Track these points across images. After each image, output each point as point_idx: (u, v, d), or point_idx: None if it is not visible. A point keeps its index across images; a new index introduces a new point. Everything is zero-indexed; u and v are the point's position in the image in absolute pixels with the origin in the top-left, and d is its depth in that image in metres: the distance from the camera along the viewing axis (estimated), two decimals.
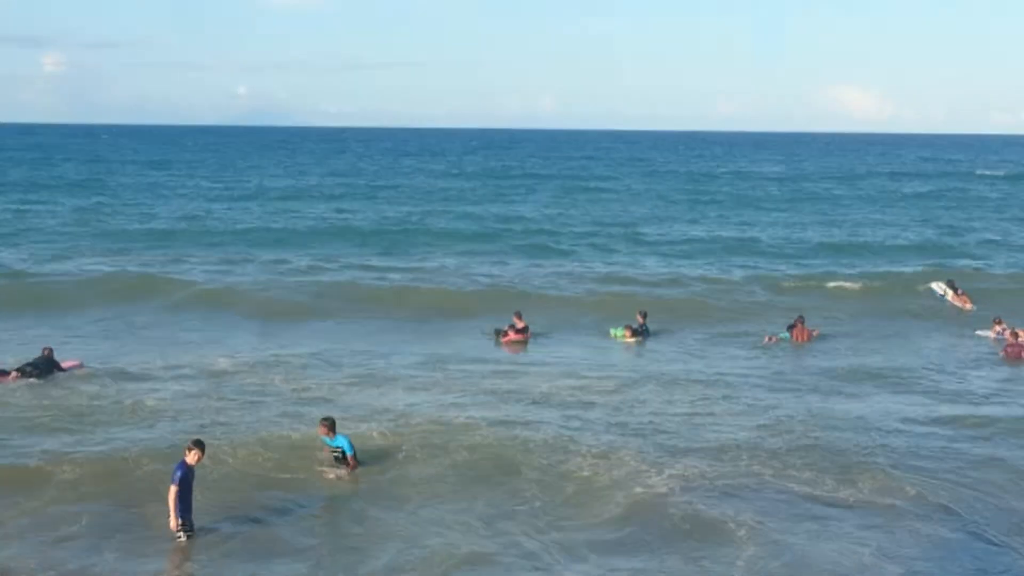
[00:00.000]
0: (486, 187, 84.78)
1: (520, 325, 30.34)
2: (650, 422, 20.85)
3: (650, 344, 29.57)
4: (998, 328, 31.34)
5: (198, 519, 15.14)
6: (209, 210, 62.00)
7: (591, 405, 22.12)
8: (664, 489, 16.86)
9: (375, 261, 42.48)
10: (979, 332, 32.13)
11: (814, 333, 30.74)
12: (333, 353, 26.51)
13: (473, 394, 22.88)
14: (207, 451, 15.64)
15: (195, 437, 15.77)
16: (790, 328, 30.78)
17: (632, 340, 30.34)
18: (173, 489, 14.70)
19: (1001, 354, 28.55)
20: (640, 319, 31.24)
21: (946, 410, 22.31)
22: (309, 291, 35.42)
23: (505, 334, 29.77)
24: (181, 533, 14.74)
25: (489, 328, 30.35)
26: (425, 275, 39.08)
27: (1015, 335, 29.47)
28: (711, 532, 15.31)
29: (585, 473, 17.71)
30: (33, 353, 24.36)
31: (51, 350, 24.19)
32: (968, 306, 35.45)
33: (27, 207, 61.07)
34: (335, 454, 17.65)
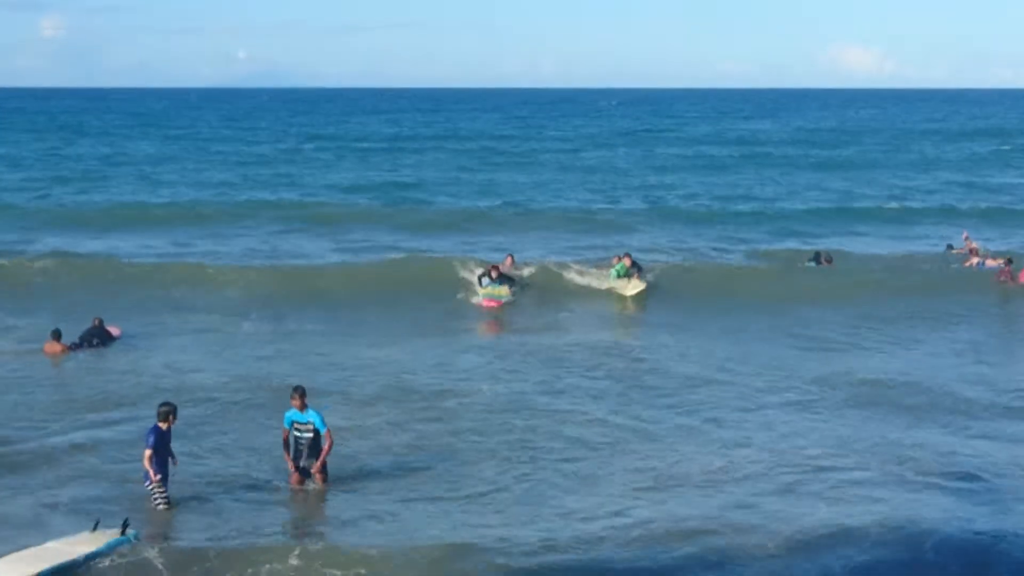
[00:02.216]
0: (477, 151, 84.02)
1: (508, 262, 31.35)
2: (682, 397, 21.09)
3: (665, 313, 29.15)
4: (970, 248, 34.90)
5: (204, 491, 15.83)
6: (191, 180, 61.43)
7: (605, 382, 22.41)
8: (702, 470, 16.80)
9: (368, 235, 41.80)
10: (954, 251, 36.16)
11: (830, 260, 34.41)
12: (337, 334, 26.32)
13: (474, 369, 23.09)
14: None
15: (166, 400, 16.04)
16: (813, 259, 34.33)
17: (637, 283, 30.55)
18: (148, 452, 15.06)
19: (1001, 279, 31.81)
20: (627, 261, 31.75)
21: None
22: (317, 270, 34.33)
23: (487, 274, 29.98)
24: (160, 499, 15.09)
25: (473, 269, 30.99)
26: (413, 248, 38.12)
27: (976, 251, 34.19)
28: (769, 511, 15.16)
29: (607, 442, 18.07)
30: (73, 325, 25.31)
31: (101, 320, 25.30)
32: (974, 245, 35.45)
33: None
34: (303, 433, 15.82)
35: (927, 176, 65.62)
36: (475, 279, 30.72)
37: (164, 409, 15.40)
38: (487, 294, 29.58)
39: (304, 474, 15.88)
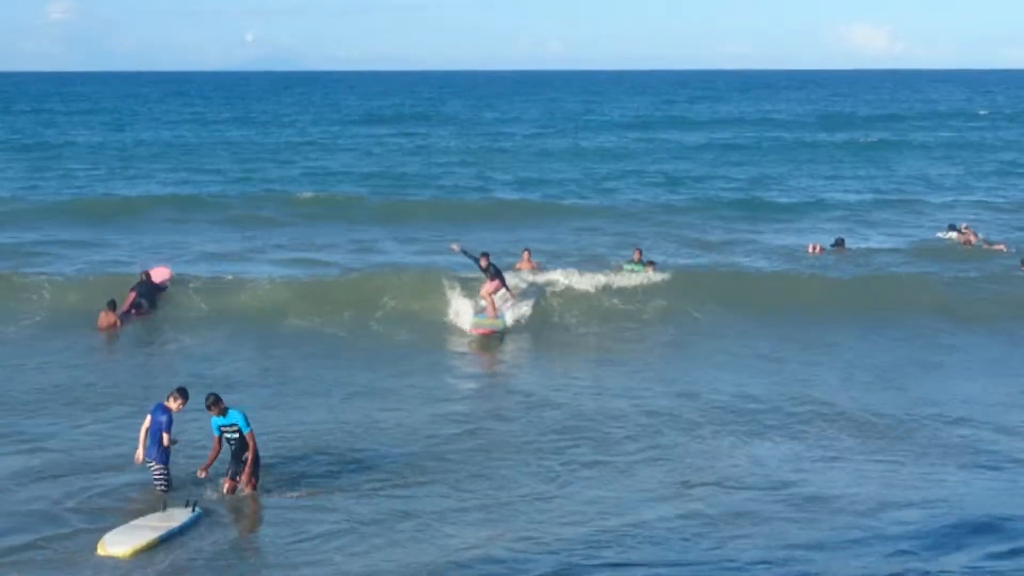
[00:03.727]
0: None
1: (525, 258, 29.95)
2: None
3: (685, 326, 26.95)
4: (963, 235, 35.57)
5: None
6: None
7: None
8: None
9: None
10: (939, 234, 36.75)
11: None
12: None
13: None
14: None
15: (180, 385, 16.09)
16: (834, 245, 34.23)
17: (649, 268, 30.30)
18: (166, 436, 15.27)
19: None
20: (636, 255, 31.19)
21: None
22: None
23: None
24: (162, 482, 15.33)
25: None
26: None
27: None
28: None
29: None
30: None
31: (148, 273, 26.83)
32: (974, 239, 35.67)
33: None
34: (231, 434, 15.36)
35: (956, 162, 63.89)
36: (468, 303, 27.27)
37: (179, 390, 15.68)
38: (476, 323, 26.12)
39: (234, 478, 15.54)
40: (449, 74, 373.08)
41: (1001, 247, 34.96)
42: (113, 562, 13.50)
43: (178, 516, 14.45)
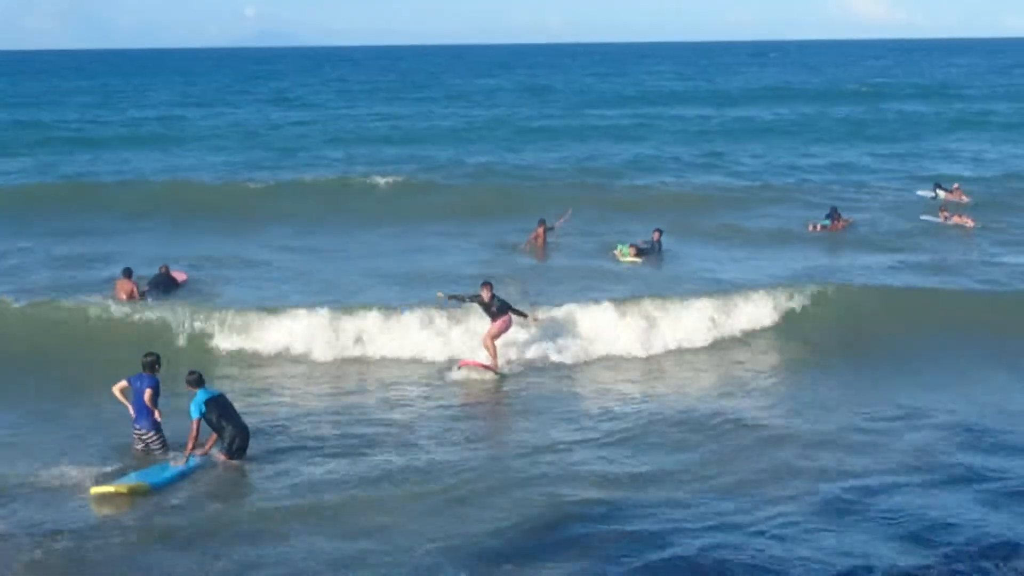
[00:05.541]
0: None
1: (540, 232, 29.52)
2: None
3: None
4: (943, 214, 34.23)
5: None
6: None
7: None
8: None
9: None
10: (921, 193, 37.15)
11: (849, 221, 33.91)
12: None
13: None
14: None
15: (147, 351, 16.37)
16: (829, 216, 33.53)
17: (638, 260, 29.09)
18: (148, 394, 15.69)
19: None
20: (656, 235, 30.21)
21: None
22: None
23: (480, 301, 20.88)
24: (157, 445, 15.84)
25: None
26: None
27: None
28: None
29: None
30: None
31: (167, 267, 26.74)
32: (964, 199, 35.62)
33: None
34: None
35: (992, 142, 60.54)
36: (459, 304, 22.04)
37: (150, 359, 15.99)
38: (469, 360, 20.79)
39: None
40: (446, 48, 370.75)
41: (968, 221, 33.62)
42: (101, 497, 14.34)
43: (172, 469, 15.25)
